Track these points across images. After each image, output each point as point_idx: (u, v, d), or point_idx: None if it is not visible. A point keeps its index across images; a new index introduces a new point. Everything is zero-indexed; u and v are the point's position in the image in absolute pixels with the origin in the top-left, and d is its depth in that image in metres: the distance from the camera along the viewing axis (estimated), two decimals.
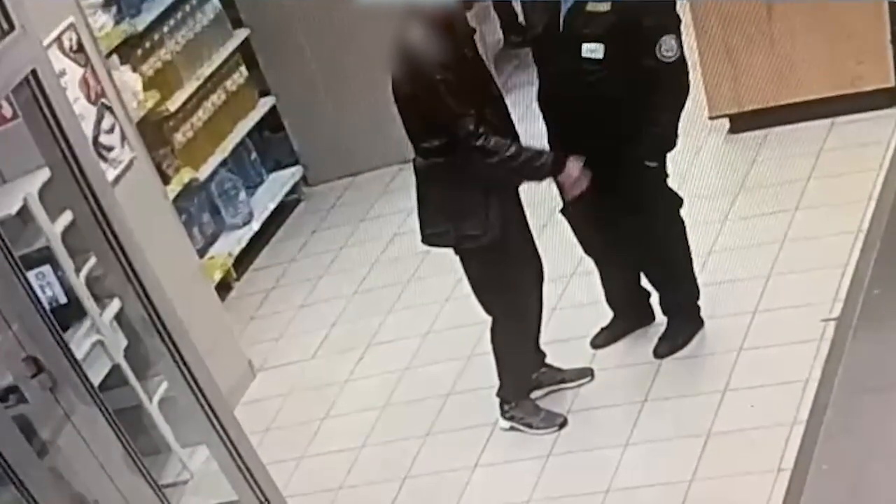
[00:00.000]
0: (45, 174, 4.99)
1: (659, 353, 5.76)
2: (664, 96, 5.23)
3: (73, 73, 5.69)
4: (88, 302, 5.52)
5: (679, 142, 5.35)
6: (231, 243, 7.46)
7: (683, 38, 5.19)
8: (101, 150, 5.78)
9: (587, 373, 5.79)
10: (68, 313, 5.48)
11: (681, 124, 5.31)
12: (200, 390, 4.72)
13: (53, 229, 5.38)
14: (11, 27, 4.09)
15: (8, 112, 5.23)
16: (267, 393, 6.49)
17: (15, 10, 4.10)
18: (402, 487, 5.59)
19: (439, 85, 4.93)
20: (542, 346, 5.73)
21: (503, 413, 5.68)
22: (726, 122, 7.11)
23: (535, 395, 5.71)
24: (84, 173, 4.35)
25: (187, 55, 7.25)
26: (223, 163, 7.51)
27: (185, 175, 7.09)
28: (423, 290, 6.74)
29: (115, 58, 6.59)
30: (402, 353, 6.36)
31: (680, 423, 5.38)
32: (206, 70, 7.36)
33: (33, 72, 4.14)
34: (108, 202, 4.44)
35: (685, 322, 5.80)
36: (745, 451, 5.12)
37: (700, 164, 6.86)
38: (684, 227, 5.61)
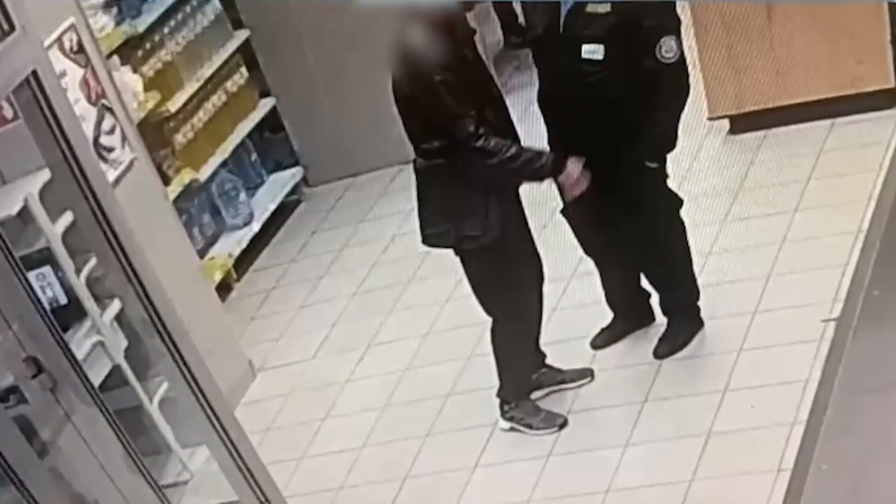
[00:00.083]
0: (45, 175, 5.00)
1: (659, 354, 5.76)
2: (664, 97, 5.23)
3: (74, 73, 5.70)
4: (89, 302, 5.53)
5: (679, 142, 5.35)
6: (231, 244, 7.46)
7: (683, 38, 5.19)
8: (101, 150, 5.78)
9: (587, 373, 5.79)
10: (69, 314, 5.48)
11: (681, 125, 5.32)
12: (201, 391, 4.72)
13: (54, 230, 5.38)
14: (12, 28, 4.10)
15: (9, 113, 5.24)
16: (267, 393, 6.49)
17: (15, 10, 4.10)
18: (403, 487, 5.60)
19: (439, 86, 4.94)
20: (543, 347, 5.73)
21: (503, 413, 5.68)
22: (726, 123, 7.12)
23: (535, 395, 5.71)
24: (84, 174, 4.35)
25: (188, 56, 7.26)
26: (223, 163, 7.51)
27: (186, 176, 7.09)
28: (424, 291, 6.74)
29: (115, 59, 6.59)
30: (403, 354, 6.36)
31: (680, 424, 5.38)
32: (207, 71, 7.36)
33: (34, 73, 4.14)
34: (108, 203, 4.44)
35: (685, 322, 5.80)
36: (745, 451, 5.13)
37: (700, 164, 6.87)
38: (684, 228, 5.61)
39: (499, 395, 5.69)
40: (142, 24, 6.86)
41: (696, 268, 5.74)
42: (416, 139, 5.19)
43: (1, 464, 3.91)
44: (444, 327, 6.44)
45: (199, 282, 6.50)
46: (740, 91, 6.92)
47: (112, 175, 5.70)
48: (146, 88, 6.79)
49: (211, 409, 4.76)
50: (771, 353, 5.55)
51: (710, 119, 7.09)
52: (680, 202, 5.55)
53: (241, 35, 7.70)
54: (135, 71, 6.77)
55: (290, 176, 8.01)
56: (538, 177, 5.24)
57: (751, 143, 6.95)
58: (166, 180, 6.82)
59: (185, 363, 4.67)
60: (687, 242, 5.64)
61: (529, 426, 5.62)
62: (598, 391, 5.73)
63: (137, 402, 5.74)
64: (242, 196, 7.59)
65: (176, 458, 5.91)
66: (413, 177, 5.28)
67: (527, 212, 5.40)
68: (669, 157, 5.42)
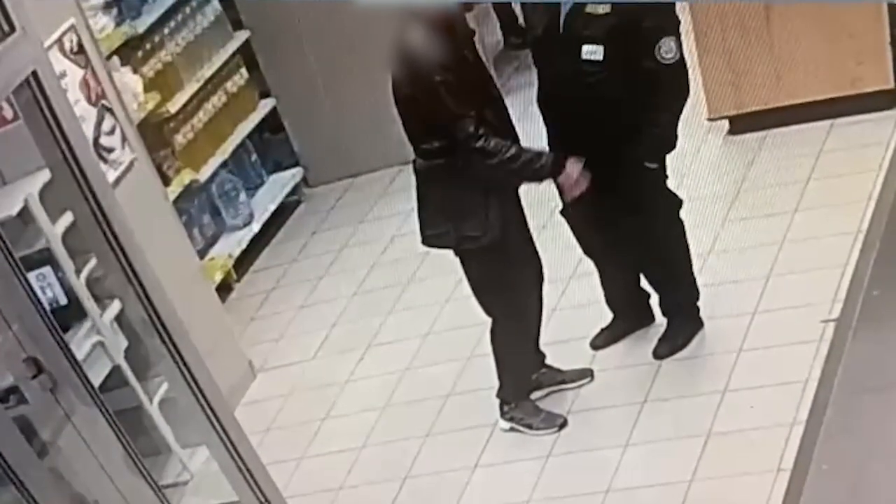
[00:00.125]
0: (45, 175, 5.00)
1: (659, 354, 5.77)
2: (664, 98, 5.24)
3: (74, 74, 5.70)
4: (89, 303, 5.53)
5: (678, 143, 5.35)
6: (231, 244, 7.46)
7: (683, 39, 5.20)
8: (101, 151, 5.78)
9: (587, 374, 5.80)
10: (69, 314, 5.48)
11: (680, 125, 5.32)
12: (201, 391, 4.72)
13: (54, 230, 5.39)
14: (12, 28, 4.10)
15: (9, 113, 5.24)
16: (267, 393, 6.50)
17: (15, 11, 4.11)
18: (403, 488, 5.60)
19: (439, 86, 4.94)
20: (542, 347, 5.73)
21: (503, 414, 5.68)
22: (726, 124, 7.12)
23: (535, 395, 5.71)
24: (84, 174, 4.36)
25: (188, 57, 7.26)
26: (223, 164, 7.51)
27: (186, 176, 7.10)
28: (423, 291, 6.74)
29: (115, 59, 6.59)
30: (402, 354, 6.36)
31: (680, 424, 5.39)
32: (207, 72, 7.36)
33: (34, 73, 4.15)
34: (108, 203, 4.45)
35: (685, 323, 5.80)
36: (745, 451, 5.13)
37: (699, 165, 6.87)
38: (684, 229, 5.62)
39: (499, 395, 5.69)
40: (142, 24, 6.86)
41: (695, 268, 5.74)
42: (416, 140, 5.19)
43: (1, 464, 3.91)
44: (444, 328, 6.44)
45: (199, 282, 6.51)
46: (740, 92, 6.92)
47: (112, 175, 5.70)
48: (146, 89, 6.80)
49: (211, 409, 4.76)
50: (770, 354, 5.55)
51: (710, 120, 7.09)
52: (680, 203, 5.56)
53: (241, 36, 7.70)
54: (135, 72, 6.77)
55: (290, 176, 8.01)
56: (538, 177, 5.24)
57: (750, 144, 6.95)
58: (166, 181, 6.82)
59: (185, 364, 4.68)
60: (686, 243, 5.64)
61: (529, 426, 5.62)
62: (598, 391, 5.73)
63: (137, 402, 5.75)
64: (242, 196, 7.60)
65: (176, 459, 5.91)
66: (412, 177, 5.28)
67: (526, 212, 5.40)
68: (669, 157, 5.42)
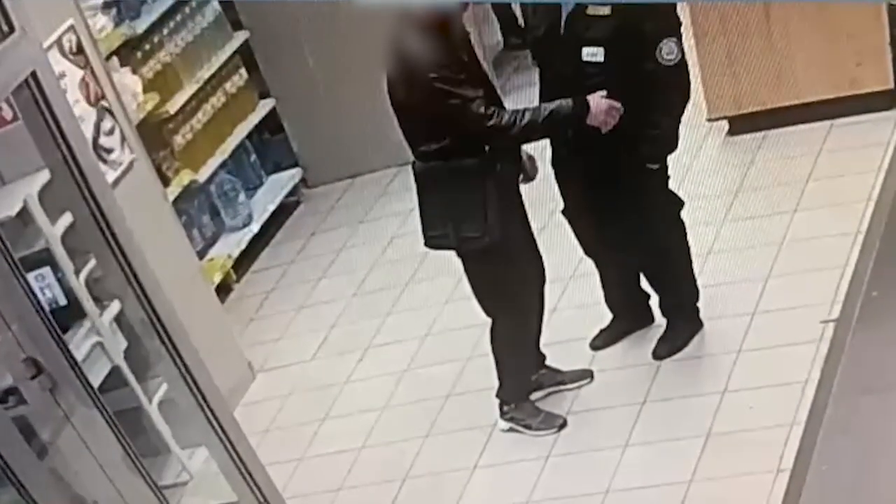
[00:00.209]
0: (44, 176, 5.00)
1: (658, 355, 5.77)
2: (665, 99, 5.24)
3: (73, 75, 5.70)
4: (88, 303, 5.53)
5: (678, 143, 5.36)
6: (231, 245, 7.46)
7: (683, 40, 5.19)
8: (100, 152, 5.78)
9: (587, 374, 5.79)
10: (68, 315, 5.48)
11: (681, 126, 5.32)
12: (200, 392, 4.72)
13: (53, 231, 5.38)
14: (11, 29, 4.10)
15: (8, 114, 5.24)
16: (267, 394, 6.49)
17: (15, 11, 4.11)
18: (402, 488, 5.60)
19: (437, 83, 4.92)
20: (542, 348, 5.73)
21: (503, 414, 5.68)
22: (725, 124, 7.12)
23: (534, 396, 5.71)
24: (84, 175, 4.36)
25: (187, 57, 7.26)
26: (223, 165, 7.51)
27: (185, 177, 7.09)
28: (423, 292, 6.74)
29: (114, 60, 6.59)
30: (402, 355, 6.36)
31: (680, 424, 5.39)
32: (206, 72, 7.36)
33: (33, 74, 4.15)
34: (107, 204, 4.45)
35: (684, 323, 5.80)
36: (745, 451, 5.13)
37: (699, 165, 6.87)
38: (685, 230, 5.62)
39: (498, 395, 5.69)
40: (141, 25, 6.86)
41: (695, 268, 5.74)
42: (414, 142, 5.18)
43: (1, 464, 3.91)
44: (444, 328, 6.44)
45: (199, 283, 6.50)
46: (739, 92, 6.92)
47: (111, 176, 5.70)
48: (145, 89, 6.80)
49: (210, 410, 4.76)
50: (770, 354, 5.55)
51: (710, 120, 7.09)
52: (681, 203, 5.56)
53: (241, 36, 7.70)
54: (134, 72, 6.77)
55: (290, 177, 8.01)
56: (569, 124, 5.09)
57: (750, 144, 6.95)
58: (166, 181, 6.82)
59: (184, 364, 4.68)
60: (687, 244, 5.64)
61: (529, 427, 5.62)
62: (598, 392, 5.73)
63: (137, 403, 5.74)
64: (242, 197, 7.59)
65: (175, 459, 5.91)
66: (412, 178, 5.28)
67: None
68: (669, 158, 5.42)
